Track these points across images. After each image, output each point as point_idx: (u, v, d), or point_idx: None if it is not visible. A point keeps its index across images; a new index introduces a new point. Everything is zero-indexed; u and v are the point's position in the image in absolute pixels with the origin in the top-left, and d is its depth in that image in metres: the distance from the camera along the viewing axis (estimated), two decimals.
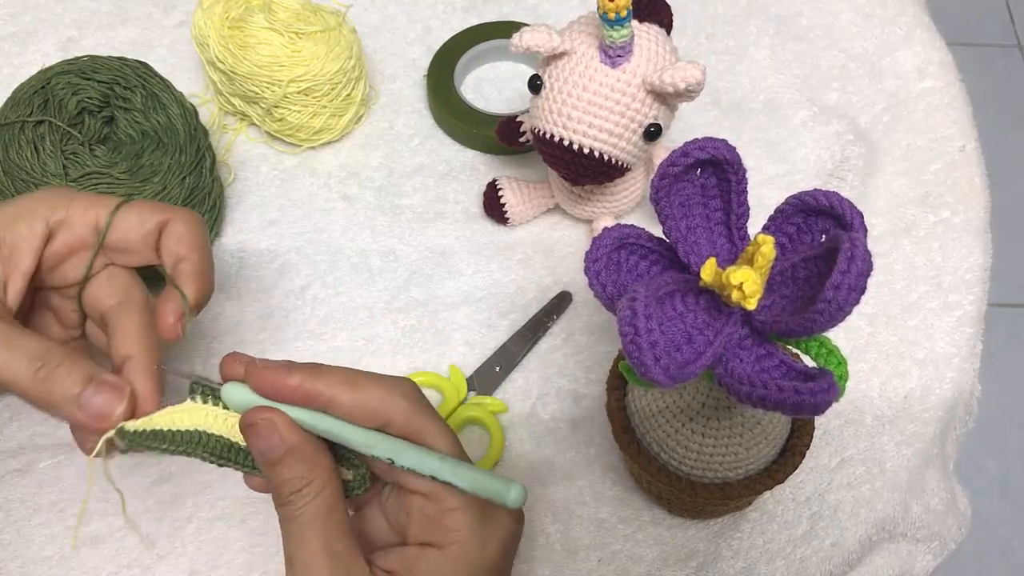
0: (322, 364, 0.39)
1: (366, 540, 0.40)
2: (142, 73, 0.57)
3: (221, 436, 0.39)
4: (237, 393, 0.38)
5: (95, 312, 0.43)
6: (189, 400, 0.39)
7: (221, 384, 0.39)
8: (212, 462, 0.39)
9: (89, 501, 0.51)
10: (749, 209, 0.39)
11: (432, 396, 0.54)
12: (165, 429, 0.38)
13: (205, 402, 0.39)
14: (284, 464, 0.36)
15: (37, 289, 0.44)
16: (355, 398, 0.37)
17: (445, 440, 0.38)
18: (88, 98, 0.55)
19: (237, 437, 0.39)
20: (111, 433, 0.38)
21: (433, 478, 0.37)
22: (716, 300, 0.37)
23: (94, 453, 0.38)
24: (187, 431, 0.38)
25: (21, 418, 0.53)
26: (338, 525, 0.37)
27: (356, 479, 0.39)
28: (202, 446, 0.39)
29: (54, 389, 0.38)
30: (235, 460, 0.39)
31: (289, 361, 0.38)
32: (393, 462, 0.37)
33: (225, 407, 0.39)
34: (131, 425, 0.38)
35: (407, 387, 0.39)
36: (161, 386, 0.41)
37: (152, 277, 0.45)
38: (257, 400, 0.37)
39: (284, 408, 0.37)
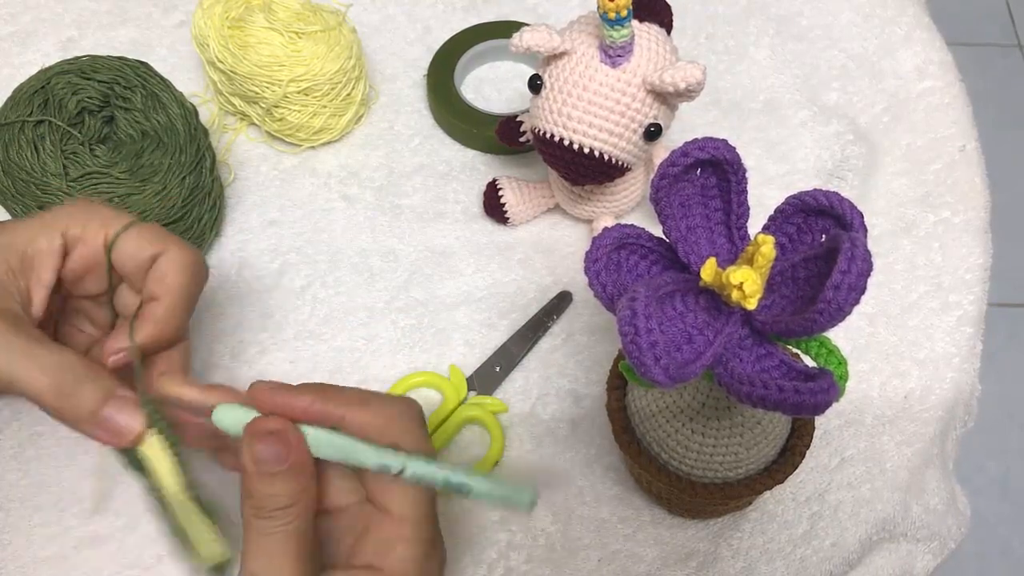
0: (328, 384, 0.39)
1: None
2: (142, 73, 0.57)
3: (176, 520, 0.39)
4: (230, 415, 0.37)
5: (129, 312, 0.44)
6: (152, 438, 0.39)
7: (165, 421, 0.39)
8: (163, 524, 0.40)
9: (89, 500, 0.51)
10: (749, 209, 0.39)
11: (432, 396, 0.54)
12: (161, 479, 0.39)
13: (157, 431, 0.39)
14: (282, 479, 0.36)
15: (67, 297, 0.45)
16: (364, 418, 0.37)
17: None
18: (88, 98, 0.55)
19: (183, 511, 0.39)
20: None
21: (447, 483, 0.37)
22: (716, 300, 0.37)
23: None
24: (167, 492, 0.39)
25: (21, 418, 0.53)
26: (308, 548, 0.37)
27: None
28: (166, 516, 0.39)
29: (75, 405, 0.38)
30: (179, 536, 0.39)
31: (288, 384, 0.38)
32: (404, 471, 0.37)
33: (172, 444, 0.39)
34: (145, 452, 0.39)
35: (414, 407, 0.39)
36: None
37: None
38: (244, 414, 0.37)
39: (302, 427, 0.37)
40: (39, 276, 0.42)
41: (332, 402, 0.37)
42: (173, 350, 0.43)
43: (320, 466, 0.38)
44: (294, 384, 0.39)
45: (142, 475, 0.39)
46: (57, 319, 0.45)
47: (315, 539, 0.38)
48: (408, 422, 0.38)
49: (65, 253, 0.42)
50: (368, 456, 0.37)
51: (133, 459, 0.39)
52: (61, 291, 0.43)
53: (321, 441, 0.37)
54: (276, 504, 0.36)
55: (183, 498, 0.39)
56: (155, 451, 0.39)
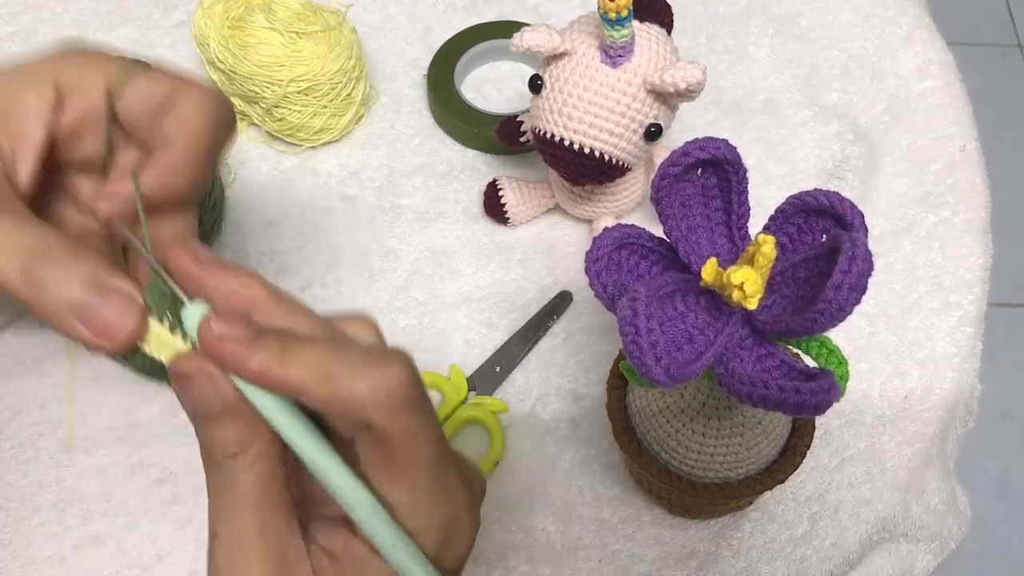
0: (299, 337, 0.31)
1: (307, 501, 0.33)
2: None
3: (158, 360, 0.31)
4: (195, 319, 0.30)
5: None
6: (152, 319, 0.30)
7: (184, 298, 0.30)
8: (141, 375, 0.31)
9: (89, 501, 0.51)
10: (750, 209, 0.39)
11: (432, 396, 0.54)
12: (149, 356, 0.31)
13: (152, 312, 0.30)
14: (220, 423, 0.30)
15: (52, 170, 0.36)
16: (329, 394, 0.29)
17: (426, 454, 0.31)
18: None
19: None
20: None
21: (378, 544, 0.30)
22: (717, 300, 0.37)
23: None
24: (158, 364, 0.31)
25: (21, 418, 0.53)
26: (276, 498, 0.30)
27: None
28: (137, 365, 0.30)
29: (51, 293, 0.30)
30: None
31: (258, 329, 0.30)
32: (353, 517, 0.30)
33: (177, 329, 0.30)
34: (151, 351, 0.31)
35: (395, 378, 0.30)
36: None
37: None
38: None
39: (238, 382, 0.30)
40: (27, 135, 0.34)
41: (293, 368, 0.29)
42: (177, 218, 0.36)
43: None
44: (274, 305, 0.32)
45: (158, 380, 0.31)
46: (39, 206, 0.36)
47: (284, 488, 0.31)
48: (383, 398, 0.30)
49: (57, 105, 0.34)
50: (316, 463, 0.30)
51: (142, 363, 0.31)
52: (51, 160, 0.35)
53: (264, 405, 0.30)
54: (225, 451, 0.30)
55: None
56: (165, 347, 0.31)
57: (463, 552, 0.33)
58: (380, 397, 0.30)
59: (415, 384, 0.31)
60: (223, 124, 0.36)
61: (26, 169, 0.34)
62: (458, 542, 0.32)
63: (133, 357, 0.31)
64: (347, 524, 0.31)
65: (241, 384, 0.30)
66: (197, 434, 0.30)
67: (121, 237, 0.34)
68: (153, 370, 0.31)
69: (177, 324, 0.30)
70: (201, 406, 0.30)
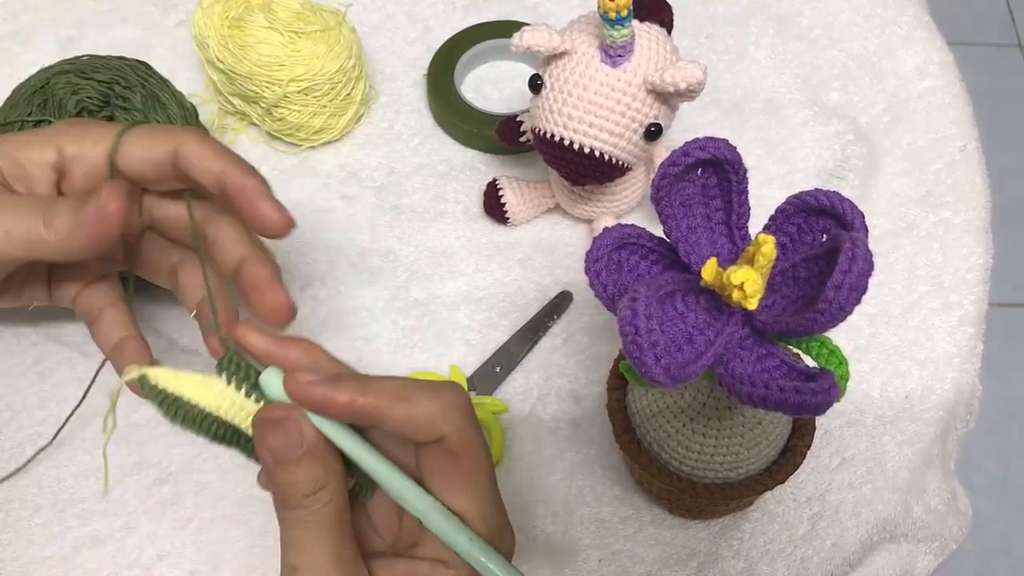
0: (369, 376, 0.36)
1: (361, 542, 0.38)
2: (142, 72, 0.57)
3: (232, 423, 0.36)
4: (276, 384, 0.35)
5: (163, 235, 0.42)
6: (218, 376, 0.36)
7: (258, 367, 0.36)
8: (212, 440, 0.36)
9: (89, 500, 0.51)
10: (750, 209, 0.39)
11: None
12: (184, 399, 0.35)
13: (230, 383, 0.35)
14: (300, 465, 0.34)
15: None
16: (409, 413, 0.34)
17: (486, 465, 0.36)
18: (88, 97, 0.55)
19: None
20: (136, 374, 0.35)
21: (457, 550, 0.35)
22: (717, 300, 0.37)
23: (118, 387, 0.36)
24: (203, 412, 0.35)
25: (21, 418, 0.53)
26: (346, 531, 0.35)
27: (359, 485, 0.37)
28: (211, 431, 0.36)
29: (62, 225, 0.37)
30: (239, 444, 0.36)
31: (336, 372, 0.35)
32: (425, 520, 0.35)
33: (252, 393, 0.35)
34: (155, 377, 0.35)
35: (461, 398, 0.36)
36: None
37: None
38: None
39: (315, 420, 0.35)
40: (33, 187, 0.40)
41: (372, 395, 0.34)
42: (227, 219, 0.41)
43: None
44: (333, 365, 0.37)
45: (170, 414, 0.36)
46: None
47: (351, 524, 0.35)
48: (455, 414, 0.35)
49: (61, 171, 0.40)
50: (386, 478, 0.35)
51: (215, 430, 0.36)
52: None
53: (332, 434, 0.35)
54: (301, 492, 0.34)
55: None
56: (223, 389, 0.36)
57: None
58: (450, 412, 0.35)
59: (471, 405, 0.37)
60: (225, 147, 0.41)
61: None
62: (505, 551, 0.37)
63: (208, 424, 0.36)
64: (399, 555, 0.36)
65: (320, 422, 0.34)
66: (273, 481, 0.34)
67: (204, 326, 0.40)
68: (224, 435, 0.36)
69: (252, 389, 0.35)
70: (283, 451, 0.34)
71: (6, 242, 0.37)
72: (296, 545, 0.34)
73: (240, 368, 0.36)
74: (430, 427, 0.34)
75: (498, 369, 0.55)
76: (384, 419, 0.34)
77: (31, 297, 0.44)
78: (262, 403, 0.36)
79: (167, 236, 0.44)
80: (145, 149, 0.40)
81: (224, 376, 0.35)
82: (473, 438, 0.35)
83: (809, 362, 0.40)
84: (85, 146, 0.40)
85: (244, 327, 0.36)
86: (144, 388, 0.36)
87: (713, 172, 0.39)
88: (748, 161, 0.39)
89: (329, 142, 0.64)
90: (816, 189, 0.37)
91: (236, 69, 0.59)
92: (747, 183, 0.39)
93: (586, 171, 0.51)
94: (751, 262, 0.35)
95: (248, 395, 0.35)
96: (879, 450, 0.53)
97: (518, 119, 0.58)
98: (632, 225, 0.39)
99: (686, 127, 0.64)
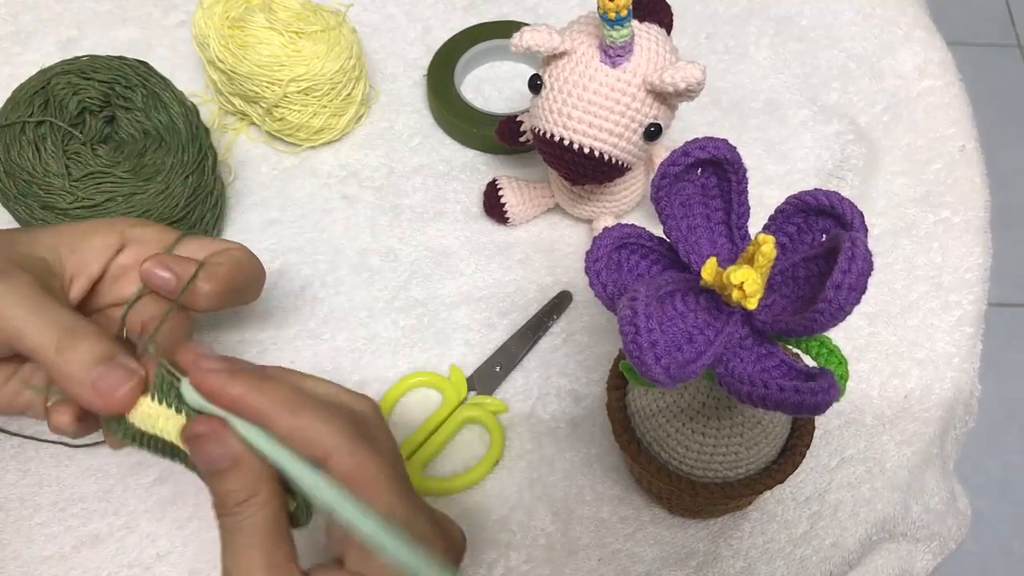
0: (278, 373, 0.37)
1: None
2: (142, 72, 0.57)
3: (169, 440, 0.37)
4: (192, 394, 0.36)
5: (138, 325, 0.44)
6: (151, 397, 0.38)
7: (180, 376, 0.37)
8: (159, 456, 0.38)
9: (89, 500, 0.51)
10: (750, 209, 0.39)
11: (432, 396, 0.54)
12: (158, 436, 0.38)
13: (162, 401, 0.37)
14: (229, 476, 0.35)
15: (94, 311, 0.46)
16: (293, 425, 0.35)
17: (388, 485, 0.36)
18: (89, 98, 0.55)
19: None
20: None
21: (362, 536, 0.34)
22: (717, 300, 0.37)
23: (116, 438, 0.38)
24: (141, 431, 0.38)
25: (21, 418, 0.53)
26: (280, 539, 0.36)
27: (299, 509, 0.37)
28: (153, 448, 0.38)
29: (71, 359, 0.37)
30: (181, 459, 0.38)
31: (241, 362, 0.37)
32: (333, 513, 0.34)
33: (181, 408, 0.37)
34: (134, 418, 0.38)
35: (352, 416, 0.37)
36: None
37: None
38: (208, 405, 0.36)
39: (235, 421, 0.35)
40: (87, 268, 0.43)
41: (266, 398, 0.35)
42: (182, 327, 0.44)
43: None
44: (242, 368, 0.37)
45: (151, 447, 0.38)
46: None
47: (287, 530, 0.36)
48: (336, 436, 0.35)
49: (119, 251, 0.44)
50: (298, 473, 0.35)
51: (127, 431, 0.38)
52: (93, 300, 0.45)
53: (255, 441, 0.35)
54: (235, 500, 0.35)
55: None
56: (160, 423, 0.37)
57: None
58: (335, 435, 0.35)
59: (379, 422, 0.39)
60: (257, 269, 0.47)
61: (77, 289, 0.43)
62: (442, 550, 0.37)
63: (151, 442, 0.38)
64: (335, 563, 0.37)
65: (242, 427, 0.35)
66: (211, 489, 0.36)
67: (137, 340, 0.42)
68: (165, 450, 0.38)
69: (181, 404, 0.37)
70: (213, 462, 0.35)
71: (17, 339, 0.38)
72: (230, 548, 0.35)
73: (172, 388, 0.37)
74: (314, 442, 0.35)
75: (498, 369, 0.55)
76: (270, 424, 0.35)
77: None
78: (185, 415, 0.37)
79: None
80: (201, 245, 0.45)
81: (159, 397, 0.37)
82: (365, 463, 0.35)
83: (809, 362, 0.40)
84: (148, 234, 0.45)
85: (184, 346, 0.38)
86: (122, 433, 0.38)
87: (713, 172, 0.39)
88: (748, 161, 0.39)
89: (329, 142, 0.64)
90: (816, 189, 0.37)
91: (236, 69, 0.59)
92: (747, 183, 0.39)
93: (586, 171, 0.51)
94: (751, 262, 0.35)
95: (178, 411, 0.37)
96: (878, 450, 0.53)
97: (518, 119, 0.58)
98: (632, 225, 0.39)
99: (686, 127, 0.64)
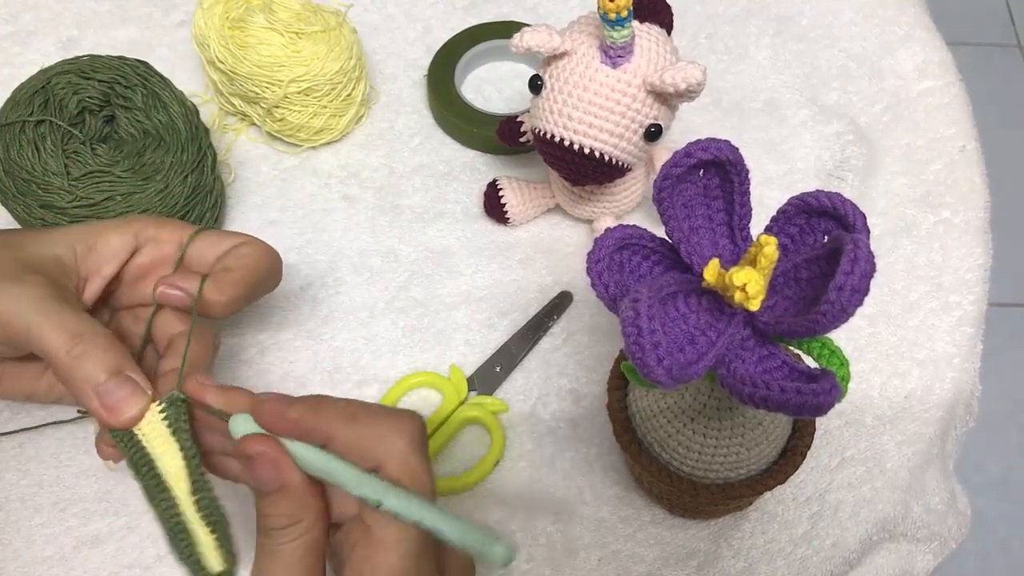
0: (326, 397, 0.38)
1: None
2: (142, 72, 0.57)
3: (180, 518, 0.38)
4: (243, 426, 0.37)
5: (163, 337, 0.44)
6: (162, 421, 0.38)
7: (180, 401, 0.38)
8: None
9: (89, 500, 0.51)
10: (752, 210, 0.39)
11: (432, 396, 0.54)
12: (154, 466, 0.38)
13: (173, 432, 0.38)
14: (274, 499, 0.36)
15: (115, 310, 0.46)
16: (353, 435, 0.37)
17: (432, 494, 0.37)
18: (88, 97, 0.55)
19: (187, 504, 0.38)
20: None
21: (419, 524, 0.35)
22: (719, 301, 0.37)
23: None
24: (163, 485, 0.38)
25: (21, 418, 0.53)
26: (315, 568, 0.36)
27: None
28: (165, 511, 0.38)
29: (82, 368, 0.38)
30: (176, 545, 0.38)
31: (290, 396, 0.38)
32: (380, 504, 0.35)
33: (186, 447, 0.38)
34: (143, 432, 0.38)
35: (408, 425, 0.38)
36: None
37: None
38: (257, 428, 0.37)
39: (283, 440, 0.37)
40: (101, 269, 0.43)
41: (322, 416, 0.37)
42: (204, 342, 0.43)
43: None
44: (294, 396, 0.38)
45: (141, 472, 0.38)
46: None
47: (323, 560, 0.37)
48: (396, 442, 0.37)
49: (134, 252, 0.44)
50: (350, 481, 0.36)
51: (131, 451, 0.38)
52: (112, 299, 0.45)
53: (308, 460, 0.36)
54: (276, 524, 0.36)
55: (186, 499, 0.38)
56: (163, 447, 0.38)
57: None
58: (395, 439, 0.37)
59: (423, 434, 0.38)
60: (274, 266, 0.46)
61: (91, 290, 0.43)
62: None
63: (139, 459, 0.38)
64: None
65: (291, 445, 0.36)
66: (257, 507, 0.37)
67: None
68: (145, 473, 0.38)
69: (180, 429, 0.39)
70: (261, 485, 0.36)
71: (28, 342, 0.39)
72: (264, 570, 0.36)
73: (178, 414, 0.38)
74: (369, 453, 0.36)
75: (498, 369, 0.55)
76: (331, 439, 0.37)
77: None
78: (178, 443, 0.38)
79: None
80: (217, 239, 0.45)
81: (168, 424, 0.38)
82: (411, 469, 0.37)
83: (810, 363, 0.40)
84: (162, 232, 0.45)
85: (194, 379, 0.39)
86: (124, 445, 0.39)
87: (715, 173, 0.39)
88: (748, 161, 0.39)
89: (330, 142, 0.64)
90: (818, 190, 0.37)
91: (236, 69, 0.59)
92: (749, 184, 0.39)
93: (586, 171, 0.51)
94: (753, 263, 0.35)
95: (173, 434, 0.38)
96: (879, 450, 0.53)
97: (518, 119, 0.58)
98: (634, 226, 0.39)
99: (686, 127, 0.64)
